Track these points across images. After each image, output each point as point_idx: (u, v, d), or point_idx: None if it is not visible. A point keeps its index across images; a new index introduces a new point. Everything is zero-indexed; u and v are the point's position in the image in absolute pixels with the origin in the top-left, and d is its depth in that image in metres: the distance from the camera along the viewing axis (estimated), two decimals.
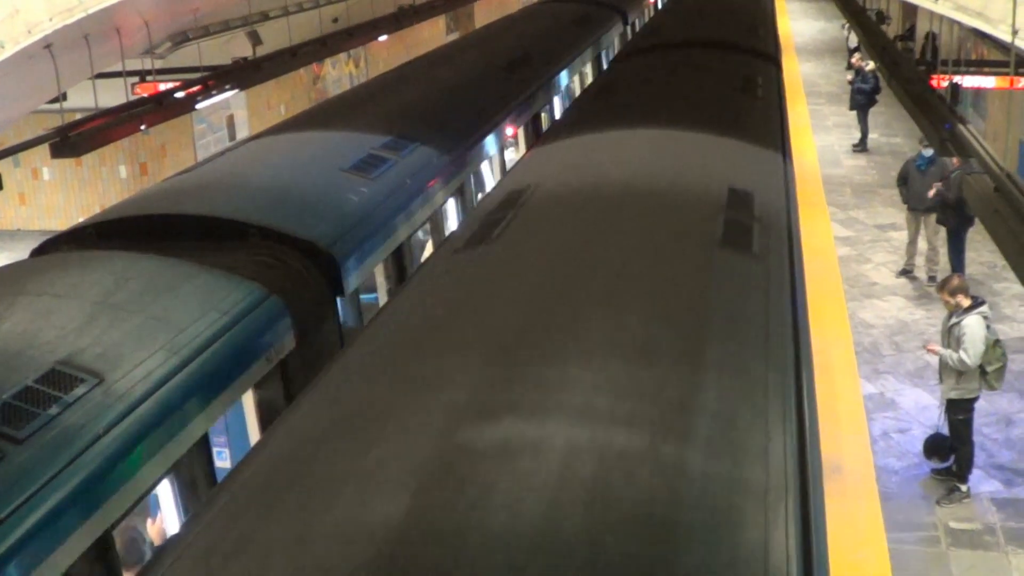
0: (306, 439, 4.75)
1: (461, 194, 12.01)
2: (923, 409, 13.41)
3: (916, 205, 18.20)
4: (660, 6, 31.03)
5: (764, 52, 14.61)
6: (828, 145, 26.77)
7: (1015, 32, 12.57)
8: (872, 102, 26.70)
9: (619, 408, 4.66)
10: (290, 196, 9.55)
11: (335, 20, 29.03)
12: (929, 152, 17.73)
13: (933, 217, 17.95)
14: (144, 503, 6.41)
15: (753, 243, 7.17)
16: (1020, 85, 18.71)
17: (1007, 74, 17.39)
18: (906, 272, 18.20)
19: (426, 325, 5.97)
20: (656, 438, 4.43)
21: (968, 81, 18.22)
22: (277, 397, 7.65)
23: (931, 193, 17.47)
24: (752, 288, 6.42)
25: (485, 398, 4.71)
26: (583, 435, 4.42)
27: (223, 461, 7.44)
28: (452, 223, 11.68)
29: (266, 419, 7.50)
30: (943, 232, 17.90)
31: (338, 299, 8.72)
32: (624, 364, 5.11)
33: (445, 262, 7.25)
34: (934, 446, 12.17)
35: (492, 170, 13.96)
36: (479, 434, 4.37)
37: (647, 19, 29.41)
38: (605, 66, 20.43)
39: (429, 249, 11.59)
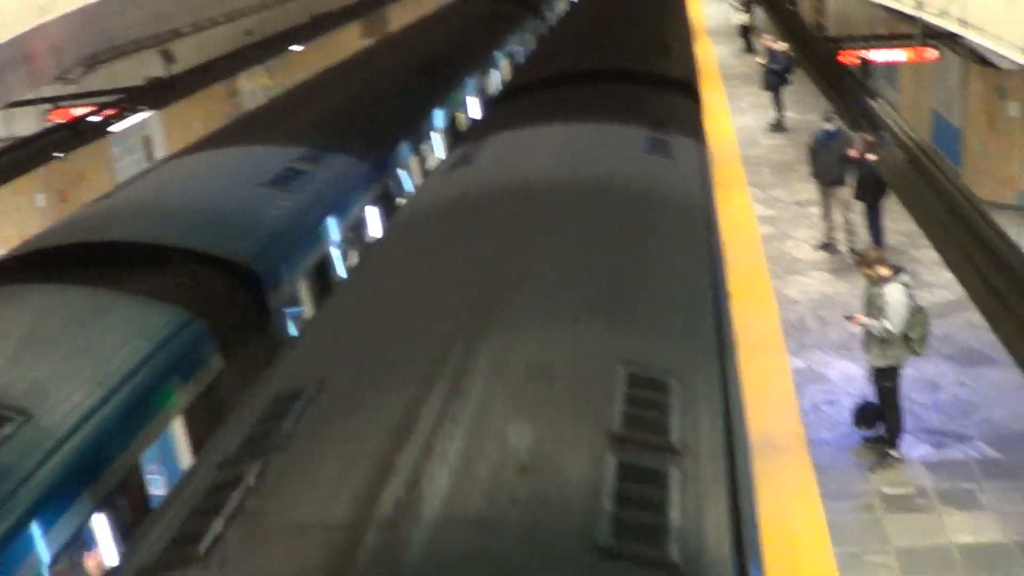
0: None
1: (383, 200, 12.04)
2: (851, 379, 13.57)
3: (823, 179, 18.56)
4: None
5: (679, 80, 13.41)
6: (746, 126, 26.96)
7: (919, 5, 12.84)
8: (784, 82, 26.98)
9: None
10: (210, 216, 9.56)
11: (248, 33, 28.91)
12: (830, 127, 18.15)
13: (841, 190, 18.29)
14: (80, 537, 6.41)
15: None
16: (930, 57, 19.11)
17: (913, 46, 17.71)
18: (827, 246, 18.43)
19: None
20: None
21: (875, 56, 18.51)
22: (208, 419, 7.66)
23: (852, 153, 17.81)
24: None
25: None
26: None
27: (158, 488, 7.43)
28: (376, 230, 11.70)
29: (198, 442, 7.52)
30: (856, 203, 18.23)
31: (264, 315, 8.74)
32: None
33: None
34: (862, 415, 12.35)
35: (413, 174, 13.98)
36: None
37: (562, 15, 29.44)
38: (519, 64, 20.54)
39: (354, 258, 11.63)
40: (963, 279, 7.63)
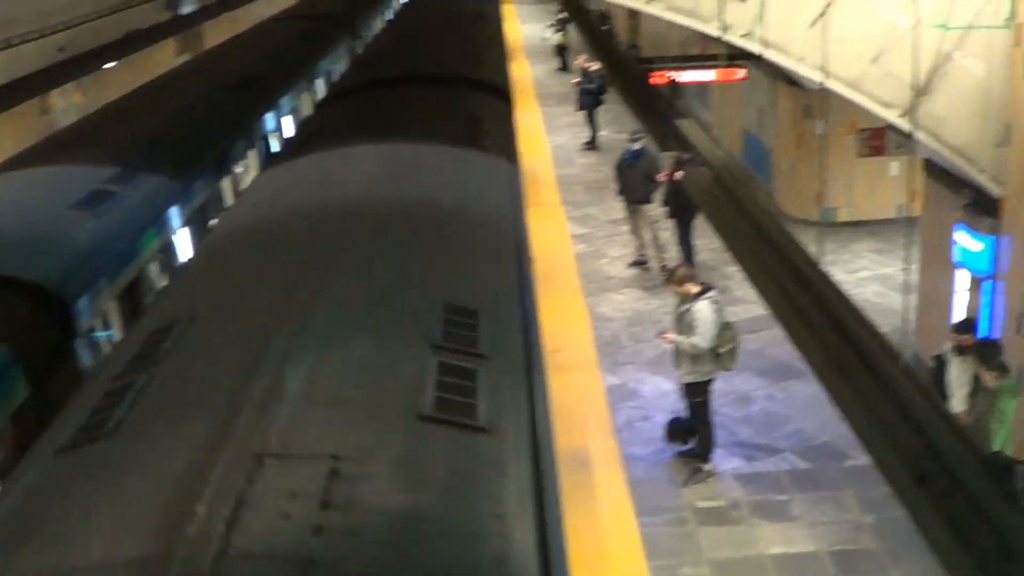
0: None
1: (196, 220, 11.90)
2: (663, 395, 13.83)
3: (629, 197, 18.97)
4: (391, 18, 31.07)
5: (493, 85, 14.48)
6: (561, 145, 27.26)
7: (725, 28, 13.16)
8: (599, 102, 27.36)
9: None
10: (15, 238, 9.33)
11: (61, 49, 28.23)
12: (636, 147, 18.65)
13: (648, 208, 18.71)
14: None
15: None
16: (738, 77, 19.56)
17: (719, 66, 18.12)
18: (639, 263, 18.77)
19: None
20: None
21: (686, 76, 18.90)
22: (13, 447, 7.47)
23: (661, 177, 18.27)
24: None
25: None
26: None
27: None
28: (188, 250, 11.55)
29: (3, 470, 7.33)
30: (662, 222, 18.70)
31: (71, 340, 8.55)
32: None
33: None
34: (675, 430, 12.60)
35: (227, 192, 13.84)
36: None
37: (377, 31, 29.45)
38: (334, 83, 20.49)
39: (166, 279, 11.46)
40: (766, 295, 7.82)
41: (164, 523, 4.09)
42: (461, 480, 4.69)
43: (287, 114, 17.42)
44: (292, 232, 7.70)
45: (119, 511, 4.39)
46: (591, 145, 27.18)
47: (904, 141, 10.87)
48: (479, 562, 4.23)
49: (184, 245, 11.57)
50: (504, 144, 11.17)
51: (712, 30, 13.81)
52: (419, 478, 4.60)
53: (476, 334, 6.01)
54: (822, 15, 11.50)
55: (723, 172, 11.39)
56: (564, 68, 37.43)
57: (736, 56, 17.91)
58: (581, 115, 27.92)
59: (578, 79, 28.26)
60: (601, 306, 17.12)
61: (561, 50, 38.10)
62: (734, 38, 13.58)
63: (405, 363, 5.49)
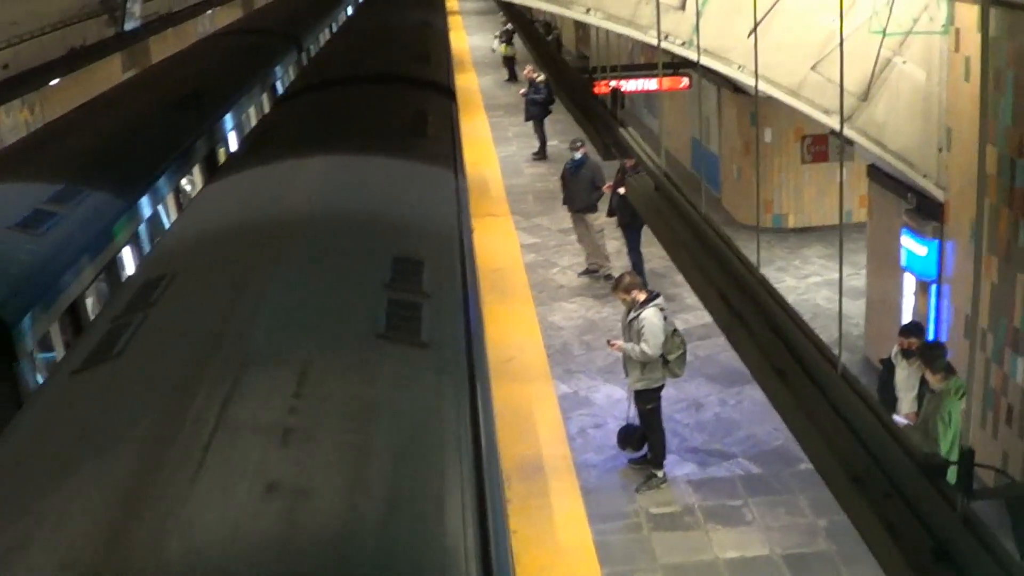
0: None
1: (140, 238, 11.82)
2: (616, 403, 13.86)
3: (573, 206, 19.04)
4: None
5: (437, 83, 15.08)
6: (510, 155, 27.35)
7: (664, 37, 13.20)
8: (546, 112, 27.42)
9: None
10: None
11: (5, 66, 28.01)
12: (577, 155, 18.77)
13: (593, 217, 18.78)
14: None
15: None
16: (682, 85, 19.63)
17: (659, 75, 18.20)
18: (590, 272, 18.82)
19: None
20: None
21: (630, 85, 18.95)
22: None
23: (606, 187, 18.39)
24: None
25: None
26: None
27: None
28: (133, 268, 11.46)
29: None
30: (607, 230, 18.77)
31: (13, 362, 8.46)
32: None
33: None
34: (627, 437, 12.64)
35: (171, 211, 13.75)
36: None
37: (322, 44, 29.40)
38: (280, 94, 20.43)
39: (112, 297, 11.34)
40: (707, 302, 7.91)
41: (168, 412, 5.06)
42: (408, 378, 5.73)
43: (233, 128, 17.34)
44: (250, 225, 8.11)
45: (130, 406, 5.37)
46: (540, 155, 27.23)
47: (845, 147, 10.95)
48: (423, 432, 5.22)
49: (129, 263, 11.48)
50: (448, 137, 11.82)
51: (651, 39, 13.83)
52: (374, 376, 5.62)
53: (421, 277, 7.17)
54: (760, 23, 11.55)
55: (665, 181, 11.45)
56: (512, 79, 37.49)
57: (681, 64, 17.97)
58: (529, 125, 27.98)
59: (525, 89, 28.29)
60: (552, 315, 17.17)
61: (509, 61, 38.18)
62: (673, 47, 13.63)
63: (362, 299, 6.63)
